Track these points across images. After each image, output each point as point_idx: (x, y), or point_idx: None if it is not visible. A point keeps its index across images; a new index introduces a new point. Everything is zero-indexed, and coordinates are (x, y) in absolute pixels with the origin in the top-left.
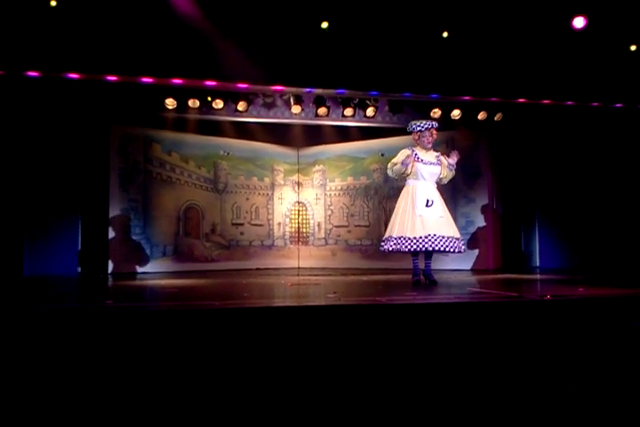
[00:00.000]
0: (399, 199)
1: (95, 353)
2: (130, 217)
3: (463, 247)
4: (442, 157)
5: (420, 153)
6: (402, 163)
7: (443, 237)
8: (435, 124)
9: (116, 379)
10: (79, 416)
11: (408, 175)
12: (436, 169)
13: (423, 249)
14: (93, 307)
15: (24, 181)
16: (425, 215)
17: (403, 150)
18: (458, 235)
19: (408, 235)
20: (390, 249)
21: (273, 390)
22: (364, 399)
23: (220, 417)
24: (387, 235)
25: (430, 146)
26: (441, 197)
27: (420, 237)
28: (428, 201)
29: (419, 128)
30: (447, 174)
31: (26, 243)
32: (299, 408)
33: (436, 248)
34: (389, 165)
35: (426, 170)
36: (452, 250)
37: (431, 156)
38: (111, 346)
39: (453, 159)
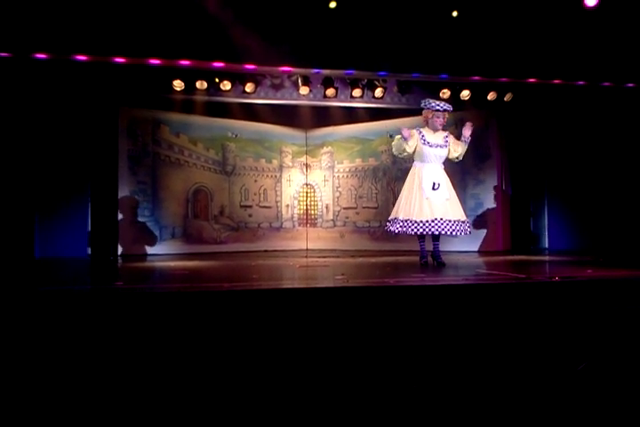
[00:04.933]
0: (406, 181)
1: (105, 335)
2: (139, 199)
3: (469, 229)
4: (451, 137)
5: (427, 134)
6: (402, 137)
7: (449, 221)
8: (451, 108)
9: (125, 360)
10: (88, 397)
11: (412, 155)
12: (443, 152)
13: (429, 233)
14: (103, 289)
15: (34, 163)
16: (432, 198)
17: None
18: (464, 217)
19: (414, 218)
20: (397, 231)
21: (281, 371)
22: (373, 381)
23: (227, 398)
24: (392, 216)
25: (440, 127)
26: (448, 179)
27: (427, 221)
28: (434, 184)
29: (437, 107)
30: (461, 151)
31: (37, 225)
32: (307, 390)
33: (442, 232)
34: (393, 142)
35: (432, 152)
36: (458, 233)
37: (439, 137)
38: (121, 328)
39: (467, 131)
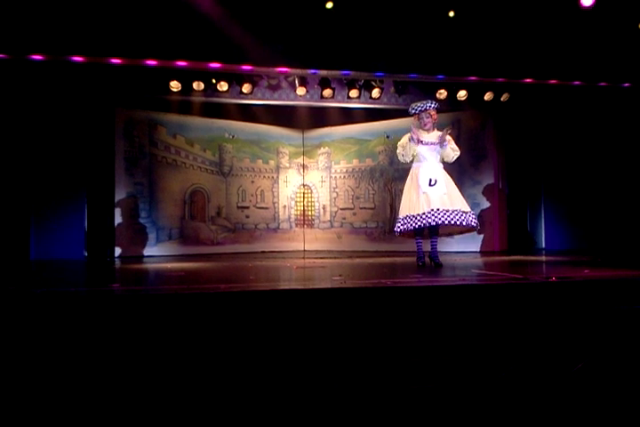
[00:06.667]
0: (406, 183)
1: (102, 337)
2: (135, 200)
3: (474, 221)
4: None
5: (422, 134)
6: (410, 139)
7: (447, 211)
8: (430, 104)
9: (122, 362)
10: (85, 400)
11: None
12: (437, 148)
13: (428, 224)
14: (100, 291)
15: (30, 164)
16: (429, 192)
17: (407, 134)
18: (466, 208)
19: (412, 213)
20: (399, 231)
21: (279, 372)
22: (370, 381)
23: (224, 400)
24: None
25: (427, 127)
26: (447, 176)
27: (424, 213)
28: (430, 180)
29: (413, 111)
30: (446, 152)
31: (32, 227)
32: (304, 391)
33: (440, 222)
34: (399, 150)
35: (426, 150)
36: (459, 222)
37: (433, 136)
38: (118, 330)
39: (444, 136)
